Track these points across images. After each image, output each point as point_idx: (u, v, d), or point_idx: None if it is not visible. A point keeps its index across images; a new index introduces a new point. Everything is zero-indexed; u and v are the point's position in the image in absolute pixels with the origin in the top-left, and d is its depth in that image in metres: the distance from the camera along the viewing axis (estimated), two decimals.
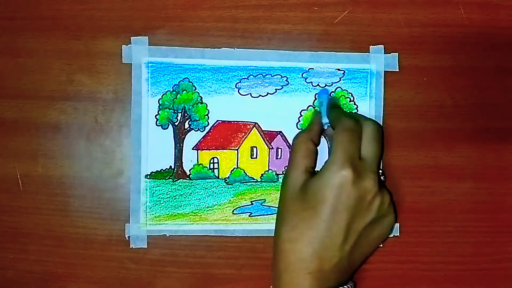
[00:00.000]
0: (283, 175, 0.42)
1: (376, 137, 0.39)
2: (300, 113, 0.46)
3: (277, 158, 0.45)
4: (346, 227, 0.37)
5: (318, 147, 0.43)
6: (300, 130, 0.45)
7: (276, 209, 0.44)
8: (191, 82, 0.45)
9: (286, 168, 0.43)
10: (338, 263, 0.38)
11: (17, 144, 0.44)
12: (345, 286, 0.39)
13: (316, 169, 0.42)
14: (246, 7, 0.45)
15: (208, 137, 0.45)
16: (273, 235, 0.41)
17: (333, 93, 0.46)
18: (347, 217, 0.37)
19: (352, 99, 0.46)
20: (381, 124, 0.46)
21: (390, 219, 0.40)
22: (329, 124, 0.43)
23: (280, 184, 0.42)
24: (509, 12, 0.47)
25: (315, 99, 0.46)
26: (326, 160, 0.39)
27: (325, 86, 0.46)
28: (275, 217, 0.45)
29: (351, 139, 0.38)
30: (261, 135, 0.45)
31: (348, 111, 0.45)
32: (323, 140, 0.46)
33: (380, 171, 0.42)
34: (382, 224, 0.40)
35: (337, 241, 0.37)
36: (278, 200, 0.43)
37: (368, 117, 0.43)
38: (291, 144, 0.43)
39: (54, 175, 0.44)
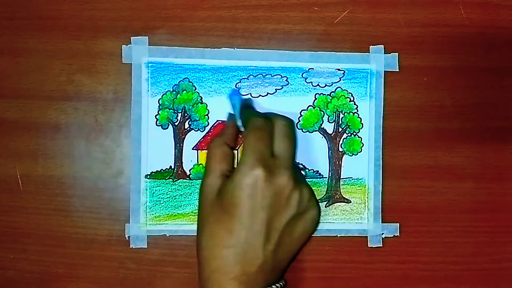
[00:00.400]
0: (201, 184, 0.41)
1: (287, 133, 0.39)
2: (300, 113, 0.46)
3: None
4: (266, 227, 0.36)
5: (237, 150, 0.42)
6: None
7: None
8: (191, 82, 0.45)
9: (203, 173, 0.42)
10: (263, 264, 0.37)
11: (17, 144, 0.44)
12: (273, 286, 0.38)
13: None
14: (246, 7, 0.45)
15: (208, 137, 0.45)
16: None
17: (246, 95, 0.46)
18: (265, 216, 0.36)
19: (352, 99, 0.46)
20: (381, 126, 0.46)
21: (313, 213, 0.39)
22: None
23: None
24: (509, 12, 0.47)
25: (315, 99, 0.46)
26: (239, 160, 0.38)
27: (325, 86, 0.46)
28: None
29: (260, 138, 0.37)
30: None
31: (262, 112, 0.44)
32: (323, 140, 0.46)
33: (301, 165, 0.41)
34: (305, 219, 0.39)
35: (259, 242, 0.36)
36: None
37: (279, 114, 0.42)
38: (208, 148, 0.42)
39: (54, 175, 0.44)
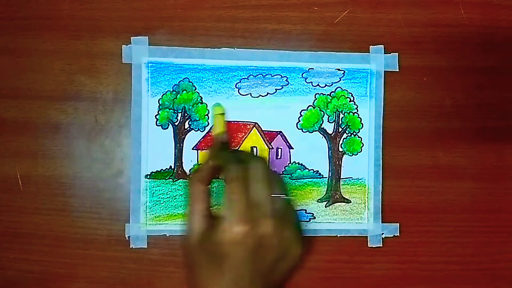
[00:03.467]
0: (184, 223, 0.40)
1: (262, 177, 0.38)
2: (300, 113, 0.46)
3: (277, 158, 0.45)
4: (251, 275, 0.37)
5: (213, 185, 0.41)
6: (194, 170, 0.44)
7: None
8: (191, 82, 0.45)
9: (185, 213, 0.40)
10: None
11: (17, 144, 0.44)
12: None
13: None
14: (246, 7, 0.45)
15: (208, 137, 0.45)
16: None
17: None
18: (250, 266, 0.37)
19: (352, 99, 0.46)
20: (381, 126, 0.46)
21: (295, 251, 0.39)
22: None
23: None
24: (509, 12, 0.47)
25: (315, 99, 0.46)
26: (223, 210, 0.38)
27: (325, 86, 0.46)
28: None
29: (238, 190, 0.37)
30: (261, 135, 0.45)
31: (235, 150, 0.44)
32: (323, 140, 0.46)
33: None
34: (287, 258, 0.39)
35: (245, 285, 0.37)
36: None
37: (251, 155, 0.42)
38: (187, 186, 0.40)
39: (54, 175, 0.44)
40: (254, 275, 0.37)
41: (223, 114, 0.44)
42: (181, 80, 0.45)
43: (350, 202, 0.46)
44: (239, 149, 0.45)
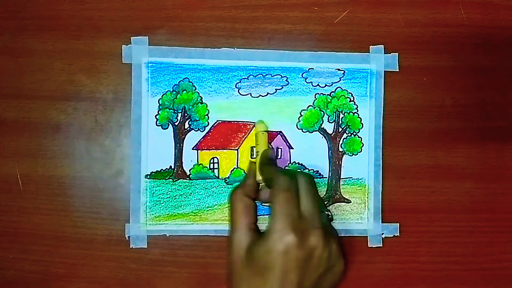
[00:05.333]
0: (228, 238, 0.40)
1: (311, 189, 0.39)
2: (300, 113, 0.46)
3: (277, 158, 0.45)
4: (297, 287, 0.37)
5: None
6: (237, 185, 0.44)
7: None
8: (191, 82, 0.45)
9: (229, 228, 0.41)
10: None
11: (17, 144, 0.44)
12: None
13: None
14: (246, 7, 0.45)
15: (208, 137, 0.45)
16: None
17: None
18: (297, 278, 0.37)
19: (352, 99, 0.46)
20: (381, 126, 0.46)
21: (339, 267, 0.40)
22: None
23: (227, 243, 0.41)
24: (509, 12, 0.47)
25: (315, 99, 0.46)
26: (269, 222, 0.38)
27: (325, 86, 0.46)
28: None
29: (288, 201, 0.37)
30: None
31: (280, 167, 0.44)
32: (323, 140, 0.46)
33: (328, 213, 0.42)
34: (333, 272, 0.39)
35: None
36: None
37: (299, 171, 0.43)
38: (229, 199, 0.42)
39: (54, 175, 0.44)
40: None
41: (267, 131, 0.44)
42: (181, 80, 0.45)
43: (350, 202, 0.46)
44: (279, 167, 0.45)
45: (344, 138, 0.46)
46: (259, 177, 0.42)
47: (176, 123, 0.45)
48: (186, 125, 0.45)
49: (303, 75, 0.46)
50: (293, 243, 0.36)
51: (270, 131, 0.45)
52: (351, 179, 0.46)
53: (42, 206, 0.44)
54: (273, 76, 0.45)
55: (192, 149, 0.45)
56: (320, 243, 0.37)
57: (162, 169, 0.44)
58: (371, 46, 0.46)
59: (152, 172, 0.44)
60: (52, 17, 0.44)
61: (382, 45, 0.46)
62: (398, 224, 0.46)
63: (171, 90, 0.45)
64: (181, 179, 0.45)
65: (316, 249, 0.37)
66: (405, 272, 0.46)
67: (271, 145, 0.45)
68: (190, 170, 0.45)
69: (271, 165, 0.42)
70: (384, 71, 0.46)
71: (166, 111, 0.44)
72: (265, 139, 0.44)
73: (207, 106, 0.45)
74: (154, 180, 0.44)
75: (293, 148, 0.45)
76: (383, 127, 0.46)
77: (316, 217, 0.38)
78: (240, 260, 0.38)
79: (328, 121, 0.46)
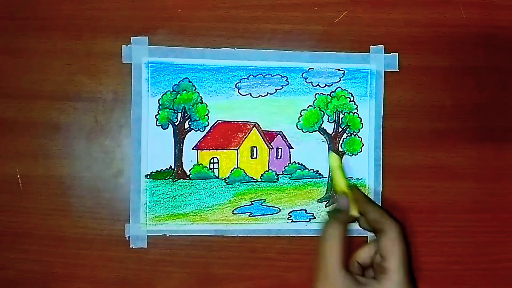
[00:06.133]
0: (317, 271, 0.35)
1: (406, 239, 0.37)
2: (300, 113, 0.46)
3: (277, 158, 0.45)
4: None
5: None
6: (328, 213, 0.40)
7: (275, 209, 0.45)
8: (191, 82, 0.45)
9: (317, 262, 0.36)
10: None
11: (17, 144, 0.44)
12: None
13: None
14: (246, 7, 0.45)
15: (208, 137, 0.45)
16: None
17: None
18: None
19: (352, 99, 0.46)
20: (381, 126, 0.46)
21: None
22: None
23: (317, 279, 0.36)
24: (509, 12, 0.47)
25: (315, 99, 0.46)
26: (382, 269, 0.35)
27: (325, 86, 0.46)
28: (275, 217, 0.45)
29: (407, 251, 0.35)
30: (261, 135, 0.45)
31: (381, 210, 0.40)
32: (323, 140, 0.46)
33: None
34: None
35: None
36: (277, 200, 0.45)
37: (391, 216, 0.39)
38: (321, 234, 0.36)
39: (54, 175, 0.44)
40: None
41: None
42: (181, 80, 0.45)
43: None
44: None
45: (344, 138, 0.46)
46: (354, 212, 0.39)
47: (176, 123, 0.45)
48: (186, 125, 0.45)
49: (303, 75, 0.46)
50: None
51: (270, 131, 0.45)
52: (351, 179, 0.46)
53: (42, 206, 0.44)
54: (273, 76, 0.45)
55: (192, 149, 0.45)
56: None
57: (162, 169, 0.44)
58: (371, 46, 0.46)
59: (152, 172, 0.44)
60: (52, 17, 0.44)
61: (382, 45, 0.46)
62: None
63: (171, 90, 0.45)
64: (181, 179, 0.45)
65: None
66: None
67: (271, 145, 0.45)
68: (190, 170, 0.45)
69: (374, 204, 0.39)
70: (384, 71, 0.46)
71: (166, 111, 0.44)
72: (342, 172, 0.42)
73: (207, 106, 0.45)
74: (154, 180, 0.44)
75: (293, 148, 0.45)
76: (383, 127, 0.46)
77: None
78: None
79: (328, 121, 0.46)
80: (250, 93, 0.45)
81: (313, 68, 0.46)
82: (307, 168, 0.45)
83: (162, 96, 0.44)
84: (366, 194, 0.46)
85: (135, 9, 0.44)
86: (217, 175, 0.45)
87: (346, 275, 0.34)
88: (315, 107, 0.46)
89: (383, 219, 0.36)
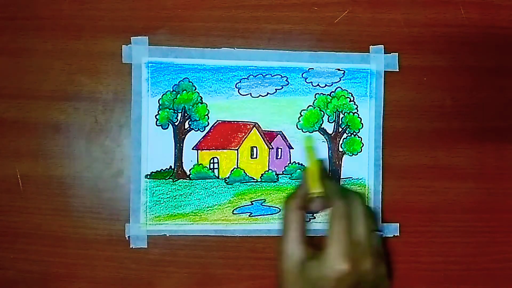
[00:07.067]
0: (278, 247, 0.40)
1: (364, 214, 0.40)
2: (300, 113, 0.46)
3: (277, 158, 0.45)
4: None
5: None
6: (289, 195, 0.42)
7: (275, 209, 0.45)
8: (191, 82, 0.45)
9: (280, 238, 0.40)
10: None
11: (17, 144, 0.44)
12: None
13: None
14: (246, 7, 0.45)
15: (208, 137, 0.45)
16: None
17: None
18: None
19: (352, 99, 0.46)
20: (381, 126, 0.46)
21: (386, 286, 0.41)
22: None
23: (278, 253, 0.40)
24: (509, 12, 0.47)
25: (315, 99, 0.46)
26: (326, 245, 0.38)
27: (325, 86, 0.46)
28: (275, 217, 0.45)
29: (345, 229, 0.38)
30: (261, 135, 0.45)
31: (340, 186, 0.45)
32: (323, 140, 0.46)
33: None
34: None
35: None
36: (277, 200, 0.45)
37: (348, 189, 0.44)
38: (282, 211, 0.41)
39: (54, 175, 0.44)
40: None
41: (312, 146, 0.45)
42: (181, 80, 0.45)
43: None
44: (334, 181, 0.45)
45: (344, 138, 0.46)
46: (313, 190, 0.41)
47: (176, 123, 0.45)
48: (186, 125, 0.45)
49: (303, 75, 0.46)
50: (346, 271, 0.37)
51: (270, 131, 0.45)
52: (351, 179, 0.46)
53: (42, 206, 0.44)
54: (273, 76, 0.45)
55: (192, 149, 0.45)
56: (371, 269, 0.39)
57: (162, 169, 0.44)
58: (371, 46, 0.46)
59: (152, 172, 0.44)
60: (52, 17, 0.44)
61: (382, 45, 0.46)
62: (398, 224, 0.46)
63: (171, 90, 0.45)
64: (181, 179, 0.45)
65: (367, 274, 0.38)
66: (405, 272, 0.46)
67: (271, 145, 0.45)
68: (190, 170, 0.45)
69: (329, 179, 0.43)
70: (384, 71, 0.46)
71: (166, 111, 0.44)
72: (314, 152, 0.44)
73: (207, 106, 0.45)
74: (154, 180, 0.44)
75: (293, 148, 0.45)
76: (383, 127, 0.46)
77: (367, 244, 0.39)
78: (293, 272, 0.39)
79: (328, 121, 0.46)
80: (250, 93, 0.45)
81: (313, 68, 0.46)
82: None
83: (162, 96, 0.44)
84: (366, 194, 0.46)
85: (135, 9, 0.44)
86: (217, 175, 0.45)
87: (300, 245, 0.39)
88: (315, 107, 0.46)
89: (332, 195, 0.40)
